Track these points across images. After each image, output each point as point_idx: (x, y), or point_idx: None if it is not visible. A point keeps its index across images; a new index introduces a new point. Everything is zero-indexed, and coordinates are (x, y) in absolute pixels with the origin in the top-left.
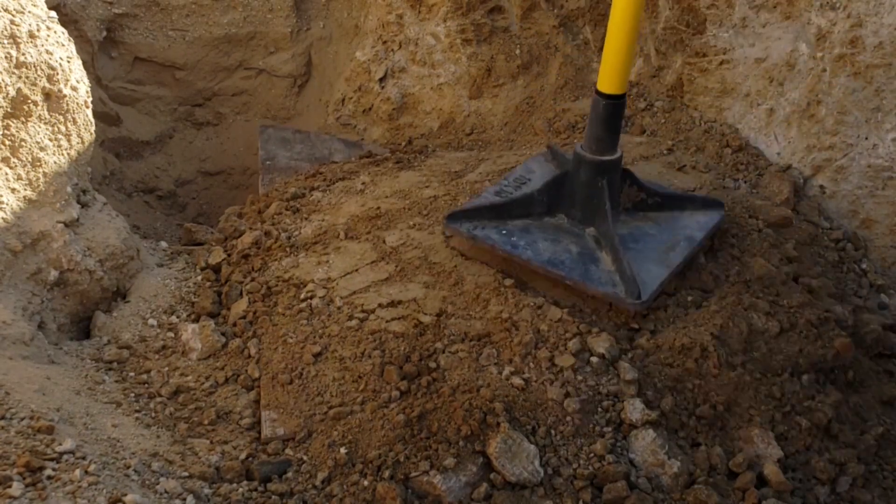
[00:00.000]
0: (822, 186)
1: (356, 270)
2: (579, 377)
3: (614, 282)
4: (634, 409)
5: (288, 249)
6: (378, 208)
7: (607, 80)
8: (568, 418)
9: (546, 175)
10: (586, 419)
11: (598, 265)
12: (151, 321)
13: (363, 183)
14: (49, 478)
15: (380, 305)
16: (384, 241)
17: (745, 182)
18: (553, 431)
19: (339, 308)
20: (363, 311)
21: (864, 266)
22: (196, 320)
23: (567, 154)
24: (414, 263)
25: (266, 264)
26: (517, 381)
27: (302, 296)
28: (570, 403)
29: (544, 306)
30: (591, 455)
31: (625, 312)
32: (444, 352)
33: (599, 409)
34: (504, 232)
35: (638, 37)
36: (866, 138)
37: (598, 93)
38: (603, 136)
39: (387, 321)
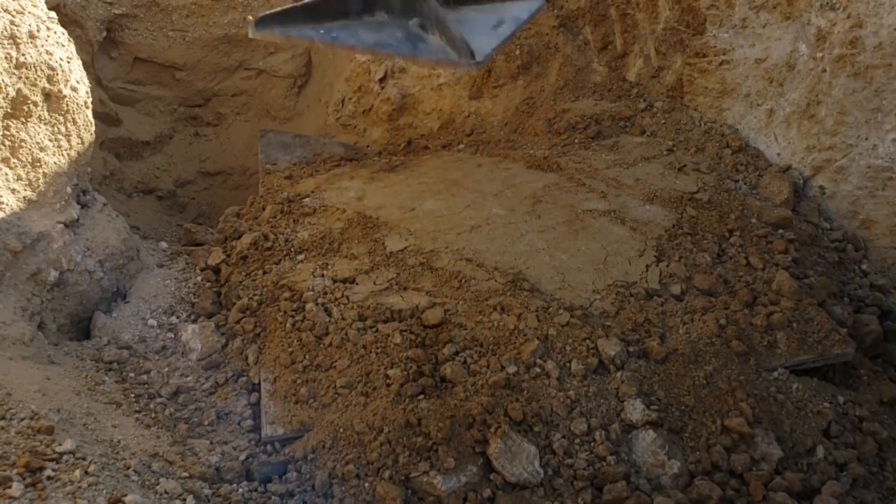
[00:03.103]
0: (821, 187)
1: (354, 278)
2: (581, 379)
3: (446, 50)
4: (635, 410)
5: (286, 252)
6: (377, 216)
7: None
8: (569, 419)
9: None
10: (587, 420)
11: (426, 42)
12: (151, 321)
13: (358, 187)
14: (49, 478)
15: (380, 311)
16: (384, 246)
17: (745, 182)
18: (553, 432)
19: (339, 313)
20: (362, 318)
21: (864, 266)
22: (196, 321)
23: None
24: (416, 270)
25: (265, 266)
26: (518, 382)
27: (301, 300)
28: (572, 404)
29: (551, 309)
30: (592, 456)
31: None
32: (447, 357)
33: (600, 410)
34: (322, 31)
35: None
36: (866, 139)
37: None
38: None
39: (388, 327)
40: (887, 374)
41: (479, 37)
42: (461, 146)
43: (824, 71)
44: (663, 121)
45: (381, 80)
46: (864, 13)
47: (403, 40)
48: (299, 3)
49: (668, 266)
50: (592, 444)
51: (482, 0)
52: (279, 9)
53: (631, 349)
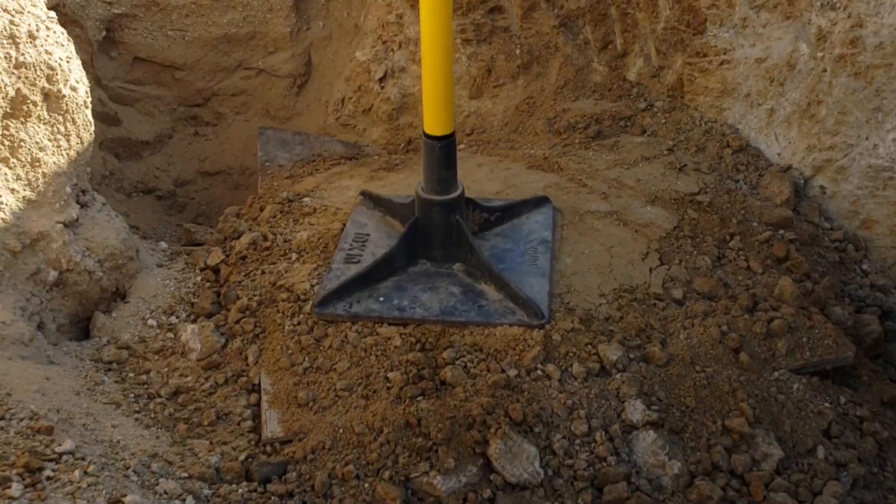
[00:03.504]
0: (822, 187)
1: None
2: (582, 381)
3: (512, 309)
4: (635, 411)
5: (285, 254)
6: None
7: (433, 123)
8: (569, 419)
9: (381, 225)
10: (587, 421)
11: (486, 298)
12: (151, 322)
13: (358, 186)
14: (48, 478)
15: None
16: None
17: (746, 182)
18: (554, 433)
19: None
20: (364, 324)
21: (864, 267)
22: (195, 321)
23: (385, 195)
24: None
25: (263, 267)
26: (518, 383)
27: (300, 302)
28: (572, 405)
29: (557, 315)
30: (592, 456)
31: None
32: (447, 361)
33: (601, 411)
34: (381, 299)
35: (452, 79)
36: (867, 138)
37: (429, 136)
38: (445, 175)
39: (388, 330)
40: (888, 374)
41: (528, 280)
42: (461, 146)
43: (825, 70)
44: (664, 120)
45: (381, 80)
46: (864, 13)
47: (465, 300)
48: (353, 275)
49: (669, 269)
50: (593, 444)
51: (499, 221)
52: (334, 284)
53: (632, 355)
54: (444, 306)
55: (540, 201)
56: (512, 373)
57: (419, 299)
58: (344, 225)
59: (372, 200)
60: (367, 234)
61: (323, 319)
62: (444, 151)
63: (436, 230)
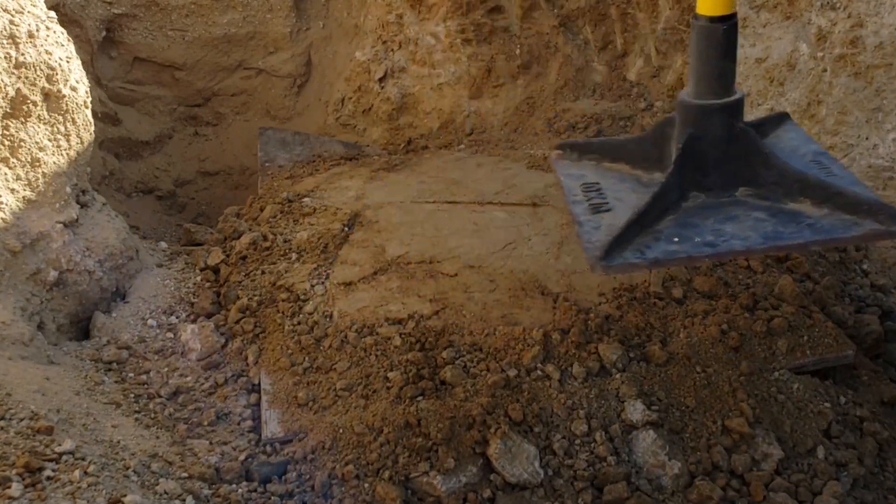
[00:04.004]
0: None
1: (355, 283)
2: (582, 381)
3: (852, 221)
4: (635, 411)
5: (285, 254)
6: (376, 216)
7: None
8: (569, 419)
9: (603, 173)
10: (587, 421)
11: (805, 216)
12: (151, 322)
13: (358, 186)
14: (48, 478)
15: (380, 318)
16: (384, 251)
17: None
18: (553, 433)
19: (338, 315)
20: (364, 325)
21: (864, 266)
22: (195, 321)
23: (590, 140)
24: (417, 276)
25: (263, 267)
26: (518, 383)
27: (300, 302)
28: (572, 405)
29: (557, 314)
30: (592, 456)
31: None
32: (447, 361)
33: (601, 411)
34: (676, 239)
35: None
36: (867, 138)
37: (711, 19)
38: (729, 69)
39: (388, 330)
40: (888, 374)
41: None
42: (461, 146)
43: (825, 70)
44: None
45: (381, 80)
46: (864, 13)
47: (786, 223)
48: (630, 219)
49: (668, 269)
50: (593, 444)
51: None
52: (611, 233)
53: (632, 354)
54: (763, 233)
55: (782, 118)
56: (512, 373)
57: (725, 231)
58: (342, 226)
59: (576, 150)
60: (596, 183)
61: (613, 272)
62: (727, 36)
63: (713, 147)
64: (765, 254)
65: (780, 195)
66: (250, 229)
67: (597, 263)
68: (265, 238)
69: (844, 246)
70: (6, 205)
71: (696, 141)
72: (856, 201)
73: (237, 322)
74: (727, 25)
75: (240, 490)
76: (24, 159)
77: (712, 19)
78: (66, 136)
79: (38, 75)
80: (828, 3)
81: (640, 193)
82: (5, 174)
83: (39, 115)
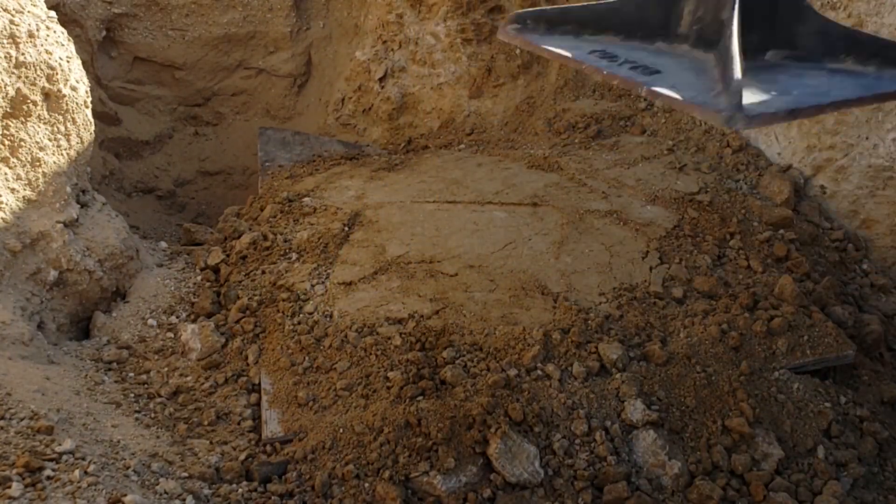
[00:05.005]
0: (822, 186)
1: (355, 282)
2: (582, 380)
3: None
4: (635, 410)
5: (285, 253)
6: (376, 216)
7: None
8: (569, 419)
9: (582, 41)
10: (587, 420)
11: (860, 73)
12: (151, 321)
13: (358, 186)
14: (48, 478)
15: (379, 318)
16: (384, 251)
17: (746, 182)
18: (553, 432)
19: (339, 315)
20: (364, 325)
21: (864, 266)
22: (195, 320)
23: (556, 8)
24: (417, 276)
25: (263, 267)
26: (518, 383)
27: (300, 302)
28: (572, 405)
29: (557, 314)
30: (592, 456)
31: None
32: (447, 361)
33: (601, 411)
34: (795, 88)
35: None
36: (867, 138)
37: None
38: None
39: (388, 330)
40: (888, 373)
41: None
42: (461, 146)
43: None
44: (664, 120)
45: (381, 80)
46: (864, 12)
47: (858, 77)
48: (736, 61)
49: (669, 269)
50: (593, 444)
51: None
52: (739, 84)
53: (632, 353)
54: (849, 85)
55: None
56: (512, 372)
57: (809, 84)
58: (342, 226)
59: (544, 22)
60: (604, 50)
61: (757, 125)
62: None
63: (759, 3)
64: (872, 103)
65: (820, 55)
66: (250, 229)
67: (740, 118)
68: (265, 238)
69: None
70: (6, 204)
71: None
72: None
73: (237, 322)
74: None
75: (240, 490)
76: (24, 159)
77: None
78: (67, 135)
79: (38, 75)
80: (828, 2)
81: (674, 59)
82: (5, 174)
83: (39, 114)
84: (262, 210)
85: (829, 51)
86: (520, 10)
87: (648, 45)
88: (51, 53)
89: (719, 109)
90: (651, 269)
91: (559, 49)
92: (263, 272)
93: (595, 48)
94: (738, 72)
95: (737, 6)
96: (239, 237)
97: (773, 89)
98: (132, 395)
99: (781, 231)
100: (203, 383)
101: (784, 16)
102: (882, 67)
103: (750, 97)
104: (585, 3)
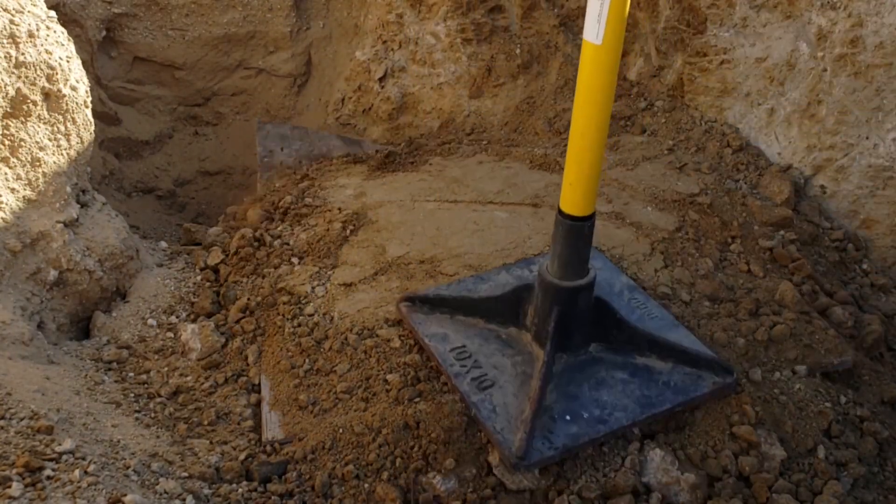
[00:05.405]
0: (822, 186)
1: (355, 283)
2: None
3: (697, 374)
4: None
5: (285, 255)
6: (376, 219)
7: (582, 203)
8: None
9: (463, 329)
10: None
11: (657, 372)
12: (151, 321)
13: (357, 184)
14: (48, 478)
15: (379, 319)
16: (384, 251)
17: (746, 182)
18: None
19: (339, 317)
20: (364, 327)
21: (864, 266)
22: (195, 320)
23: (438, 293)
24: (418, 276)
25: (262, 269)
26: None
27: (300, 303)
28: None
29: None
30: (599, 473)
31: None
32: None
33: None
34: (568, 417)
35: (603, 151)
36: (867, 138)
37: (575, 218)
38: (587, 255)
39: (388, 332)
40: (888, 373)
41: (667, 335)
42: (461, 145)
43: (825, 70)
44: (664, 120)
45: (381, 80)
46: (864, 12)
47: (648, 385)
48: (533, 409)
49: (672, 272)
50: (594, 449)
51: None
52: (527, 428)
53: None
54: (635, 399)
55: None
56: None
57: (604, 402)
58: (342, 225)
59: (427, 304)
60: (463, 346)
61: (534, 468)
62: (589, 230)
63: (577, 316)
64: (645, 423)
65: (630, 350)
66: (249, 230)
67: (519, 465)
68: (264, 238)
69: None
70: (6, 204)
71: (565, 317)
72: (696, 358)
73: (237, 322)
74: (590, 222)
75: (240, 490)
76: (24, 159)
77: (579, 218)
78: (67, 135)
79: (38, 75)
80: (828, 2)
81: (510, 357)
82: (5, 174)
83: (39, 114)
84: (261, 210)
85: (637, 349)
86: (408, 292)
87: (502, 330)
88: (51, 53)
89: (508, 453)
90: (657, 271)
91: (430, 340)
92: (263, 274)
93: (456, 345)
94: (527, 424)
95: (553, 333)
96: (239, 237)
97: (566, 414)
98: (132, 394)
99: (782, 233)
100: (203, 383)
101: (606, 324)
102: (677, 365)
103: (536, 438)
104: (461, 295)
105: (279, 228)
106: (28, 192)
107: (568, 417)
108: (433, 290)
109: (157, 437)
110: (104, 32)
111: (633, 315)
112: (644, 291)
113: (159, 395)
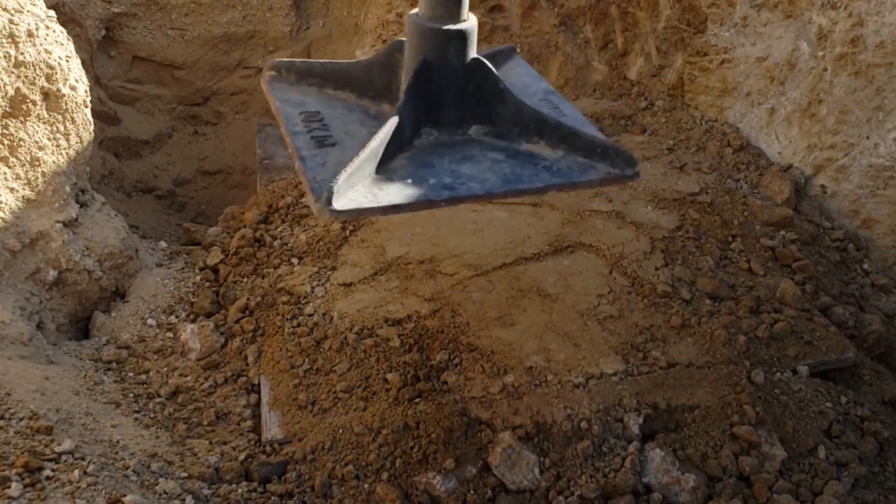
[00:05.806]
0: (823, 186)
1: (355, 283)
2: (582, 387)
3: (588, 164)
4: (638, 416)
5: (284, 256)
6: (376, 219)
7: None
8: (569, 424)
9: (327, 100)
10: (589, 425)
11: (542, 158)
12: (150, 321)
13: None
14: (48, 478)
15: (378, 319)
16: (384, 251)
17: (746, 182)
18: (553, 439)
19: (338, 317)
20: (363, 327)
21: (865, 266)
22: (195, 320)
23: (310, 62)
24: (417, 276)
25: (262, 269)
26: (517, 390)
27: (299, 303)
28: (573, 412)
29: (555, 316)
30: (599, 474)
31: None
32: (445, 364)
33: (601, 414)
34: (410, 181)
35: None
36: (867, 137)
37: None
38: None
39: (387, 332)
40: (888, 373)
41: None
42: None
43: (825, 70)
44: (664, 119)
45: None
46: (865, 12)
47: (523, 165)
48: (360, 159)
49: (672, 270)
50: (594, 450)
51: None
52: (347, 172)
53: (634, 357)
54: (502, 175)
55: (511, 51)
56: (509, 379)
57: (462, 173)
58: (341, 225)
59: (294, 72)
60: (318, 112)
61: (343, 218)
62: None
63: (448, 77)
64: (504, 197)
65: (516, 135)
66: (249, 230)
67: (324, 208)
68: (264, 239)
69: (582, 189)
70: (6, 204)
71: (429, 68)
72: (591, 144)
73: (237, 322)
74: None
75: (239, 490)
76: (23, 158)
77: None
78: (66, 135)
79: (37, 74)
80: (828, 2)
81: (369, 127)
82: (5, 173)
83: (39, 114)
84: (261, 210)
85: (523, 132)
86: (277, 59)
87: (373, 106)
88: (50, 53)
89: (317, 197)
90: (657, 269)
91: (282, 104)
92: (262, 276)
93: (310, 110)
94: (348, 168)
95: (408, 94)
96: (239, 237)
97: (408, 178)
98: (131, 395)
99: (783, 233)
100: (202, 383)
101: (484, 95)
102: (569, 153)
103: (359, 190)
104: (332, 61)
105: (279, 229)
106: (27, 192)
107: (410, 181)
108: (308, 61)
109: (157, 437)
110: (104, 32)
111: (542, 109)
112: (562, 96)
113: (159, 396)
